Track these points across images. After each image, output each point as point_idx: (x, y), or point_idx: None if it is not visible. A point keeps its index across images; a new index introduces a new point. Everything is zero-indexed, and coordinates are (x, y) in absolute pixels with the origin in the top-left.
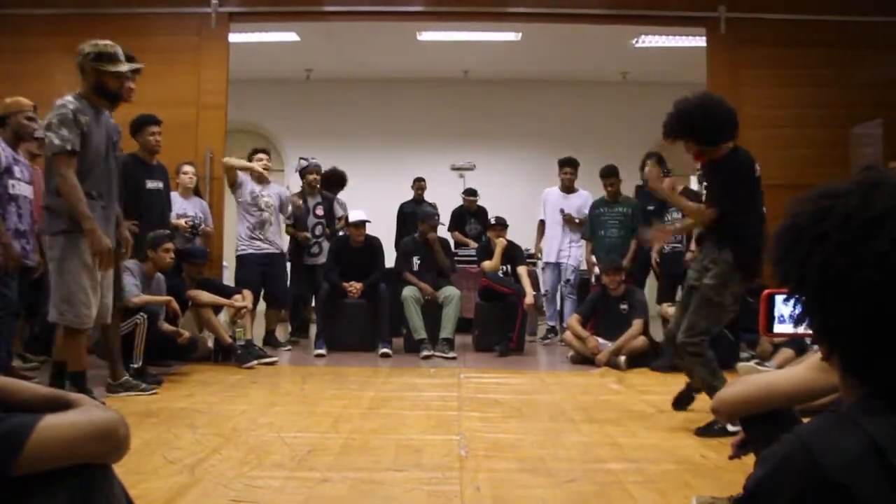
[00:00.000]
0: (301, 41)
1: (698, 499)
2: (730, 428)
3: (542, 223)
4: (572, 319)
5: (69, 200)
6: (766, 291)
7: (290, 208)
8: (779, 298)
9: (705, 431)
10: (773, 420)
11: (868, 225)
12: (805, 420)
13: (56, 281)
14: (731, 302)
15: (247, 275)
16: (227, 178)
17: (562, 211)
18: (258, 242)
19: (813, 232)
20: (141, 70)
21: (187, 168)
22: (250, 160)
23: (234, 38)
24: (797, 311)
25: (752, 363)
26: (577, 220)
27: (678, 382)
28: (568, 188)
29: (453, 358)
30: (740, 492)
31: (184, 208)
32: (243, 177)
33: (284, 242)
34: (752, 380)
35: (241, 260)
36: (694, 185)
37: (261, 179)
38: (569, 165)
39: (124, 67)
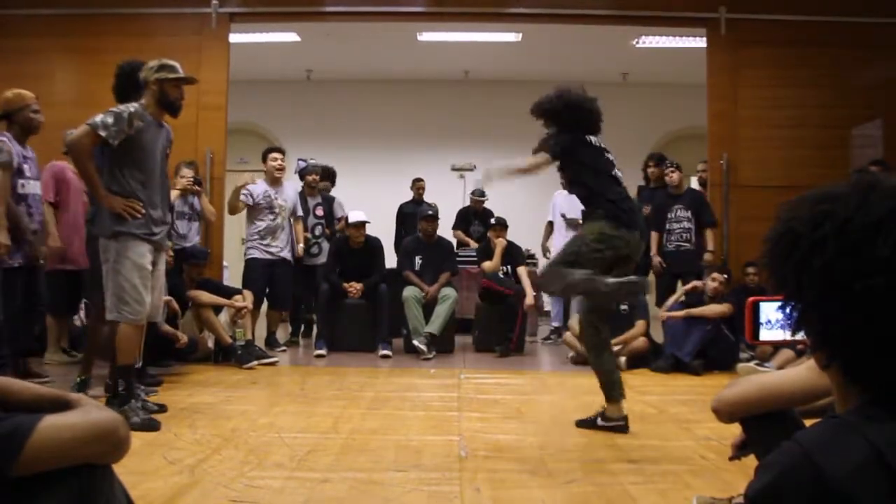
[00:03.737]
0: (301, 41)
1: (698, 499)
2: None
3: (549, 224)
4: (574, 320)
5: (79, 160)
6: (752, 299)
7: (299, 209)
8: (764, 306)
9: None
10: (773, 421)
11: (867, 229)
12: (806, 420)
13: (111, 282)
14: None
15: (253, 278)
16: (236, 209)
17: (563, 216)
18: (267, 247)
19: (811, 237)
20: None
21: (185, 171)
22: (264, 159)
23: (234, 38)
24: (794, 319)
25: (752, 363)
26: (580, 222)
27: (678, 383)
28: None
29: (428, 358)
30: (740, 493)
31: (181, 206)
32: (251, 186)
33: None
34: (752, 380)
35: (249, 264)
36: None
37: (274, 182)
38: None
39: (182, 74)
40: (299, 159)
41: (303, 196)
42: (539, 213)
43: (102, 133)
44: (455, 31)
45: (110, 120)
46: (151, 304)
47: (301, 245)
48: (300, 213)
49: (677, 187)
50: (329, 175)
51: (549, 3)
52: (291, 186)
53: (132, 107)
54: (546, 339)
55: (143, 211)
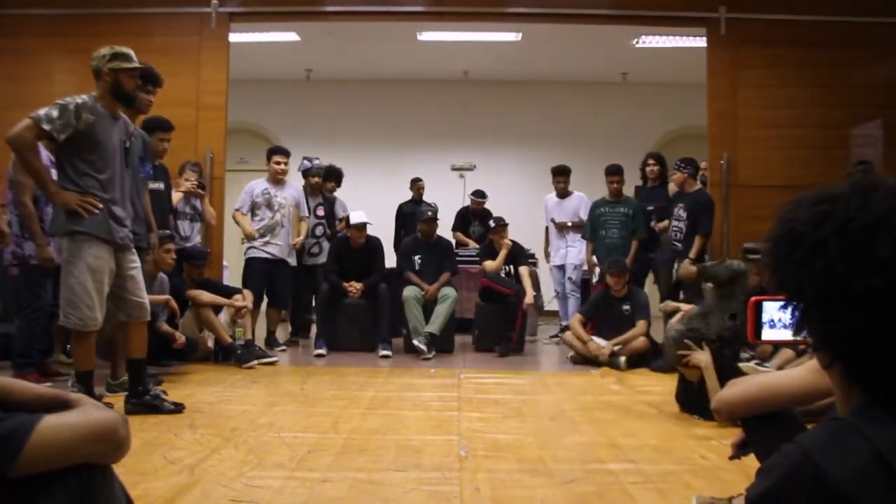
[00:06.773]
0: (301, 41)
1: (698, 499)
2: None
3: (547, 228)
4: (574, 319)
5: (21, 155)
6: (754, 298)
7: (305, 209)
8: (766, 305)
9: None
10: (774, 421)
11: (868, 229)
12: (806, 420)
13: (63, 284)
14: None
15: (253, 278)
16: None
17: (552, 220)
18: (267, 246)
19: (812, 237)
20: (160, 83)
21: (189, 173)
22: (269, 160)
23: (234, 38)
24: (796, 319)
25: (752, 363)
26: (569, 224)
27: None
28: (561, 194)
29: (428, 358)
30: (740, 493)
31: (183, 207)
32: (254, 184)
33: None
34: (753, 380)
35: (248, 263)
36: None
37: (276, 182)
38: (560, 174)
39: (137, 64)
40: (304, 158)
41: (305, 195)
42: (538, 213)
43: (46, 127)
44: (455, 30)
45: (55, 113)
46: (140, 304)
47: (300, 238)
48: (305, 212)
49: (682, 186)
50: (335, 175)
51: (549, 2)
52: (294, 186)
53: (80, 98)
54: (553, 337)
55: (101, 206)
